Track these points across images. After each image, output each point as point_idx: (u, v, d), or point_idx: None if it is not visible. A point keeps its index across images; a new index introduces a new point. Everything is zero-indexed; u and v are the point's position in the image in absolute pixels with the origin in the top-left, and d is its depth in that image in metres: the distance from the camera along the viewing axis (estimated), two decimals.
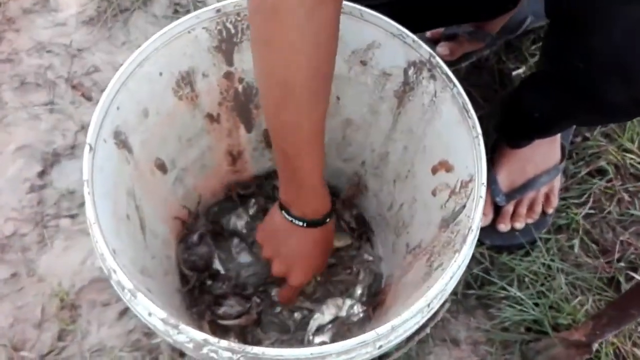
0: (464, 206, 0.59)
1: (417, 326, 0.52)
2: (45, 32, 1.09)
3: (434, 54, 0.63)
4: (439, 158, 0.67)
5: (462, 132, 0.61)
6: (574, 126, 1.00)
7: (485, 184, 0.56)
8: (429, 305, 0.51)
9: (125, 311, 0.87)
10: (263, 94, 0.59)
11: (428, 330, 0.57)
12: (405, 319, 0.49)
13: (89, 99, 1.04)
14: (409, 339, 0.59)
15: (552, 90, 0.71)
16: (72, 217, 0.94)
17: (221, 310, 0.79)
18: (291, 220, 0.68)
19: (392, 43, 0.66)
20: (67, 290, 0.88)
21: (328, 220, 0.70)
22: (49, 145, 0.99)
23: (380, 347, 0.50)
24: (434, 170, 0.68)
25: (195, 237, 0.85)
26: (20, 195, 0.95)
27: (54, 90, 1.04)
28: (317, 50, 0.54)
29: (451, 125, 0.63)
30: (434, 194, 0.69)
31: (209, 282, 0.86)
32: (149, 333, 0.86)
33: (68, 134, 1.01)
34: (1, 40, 1.08)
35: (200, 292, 0.84)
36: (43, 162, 0.98)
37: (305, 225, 0.68)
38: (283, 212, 0.68)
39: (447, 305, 0.58)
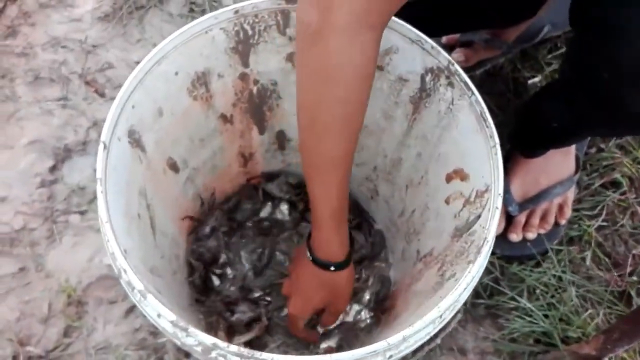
0: (479, 216, 0.58)
1: (428, 337, 0.51)
2: (61, 27, 1.10)
3: (452, 61, 0.62)
4: (454, 166, 0.66)
5: (479, 141, 0.60)
6: (589, 137, 0.99)
7: (502, 194, 0.55)
8: (441, 316, 0.51)
9: (131, 309, 0.87)
10: (298, 117, 0.59)
11: (439, 340, 0.57)
12: (417, 330, 0.48)
13: (102, 95, 1.04)
14: (418, 348, 0.59)
15: (573, 100, 0.70)
16: (82, 213, 0.94)
17: (234, 317, 0.79)
18: (305, 249, 0.70)
19: (410, 49, 0.65)
20: (75, 286, 0.88)
21: (333, 269, 0.69)
22: (60, 140, 0.99)
23: (391, 356, 0.49)
24: (449, 178, 0.68)
25: (207, 230, 0.86)
26: (31, 190, 0.95)
27: (67, 85, 1.04)
28: (353, 77, 0.54)
29: (468, 134, 0.62)
30: (447, 202, 0.68)
31: (217, 283, 0.85)
32: (155, 332, 0.85)
33: (80, 130, 1.01)
34: (17, 34, 1.09)
35: (205, 290, 0.84)
36: (54, 157, 0.98)
37: (311, 259, 0.69)
38: (306, 242, 0.71)
39: (459, 316, 0.57)
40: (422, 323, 0.48)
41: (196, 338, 0.47)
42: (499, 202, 0.55)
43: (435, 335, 0.55)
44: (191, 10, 1.13)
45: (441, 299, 0.51)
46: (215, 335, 0.72)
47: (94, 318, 0.86)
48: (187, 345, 0.49)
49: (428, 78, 0.66)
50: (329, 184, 0.62)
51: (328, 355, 0.46)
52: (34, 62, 1.06)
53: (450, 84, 0.64)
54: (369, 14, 0.50)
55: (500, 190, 0.56)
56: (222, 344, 0.46)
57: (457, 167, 0.65)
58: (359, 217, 0.92)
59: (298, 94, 0.58)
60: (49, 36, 1.08)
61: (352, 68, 0.53)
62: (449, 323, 0.55)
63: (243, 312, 0.79)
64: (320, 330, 0.82)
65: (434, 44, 0.63)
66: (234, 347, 0.46)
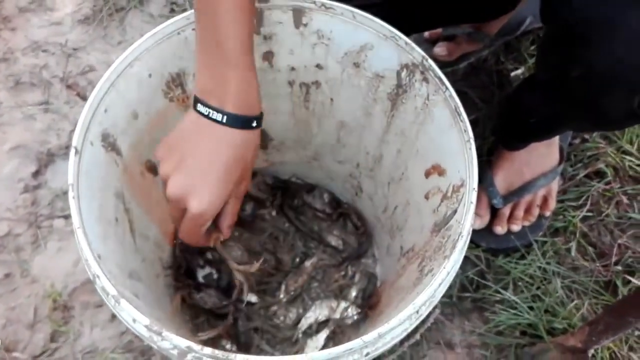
0: (455, 211, 0.58)
1: (405, 333, 0.51)
2: (41, 31, 1.09)
3: (426, 56, 0.62)
4: (432, 161, 0.66)
5: (454, 136, 0.60)
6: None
7: (476, 189, 0.55)
8: (417, 311, 0.51)
9: None
10: None
11: (418, 336, 0.57)
12: (392, 327, 0.48)
13: (84, 98, 1.04)
14: (399, 343, 0.59)
15: (546, 96, 0.71)
16: (66, 217, 0.94)
17: (198, 296, 0.78)
18: (207, 115, 0.53)
19: (385, 45, 0.65)
20: (60, 291, 0.88)
21: (254, 124, 0.55)
22: (43, 145, 0.99)
23: (367, 354, 0.49)
24: (427, 174, 0.68)
25: None
26: (15, 195, 0.95)
27: (49, 89, 1.04)
28: None
29: (443, 129, 0.62)
30: (426, 197, 0.68)
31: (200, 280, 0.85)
32: None
33: (63, 134, 1.00)
34: None
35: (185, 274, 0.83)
36: (37, 162, 0.98)
37: (225, 120, 0.53)
38: (199, 105, 0.54)
39: (437, 311, 0.57)
40: (397, 320, 0.48)
41: (171, 342, 0.47)
42: (474, 197, 0.55)
43: (415, 331, 0.55)
44: (172, 10, 1.13)
45: (418, 295, 0.51)
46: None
47: (80, 322, 0.86)
48: (163, 349, 0.49)
49: (404, 74, 0.65)
50: (239, 13, 0.51)
51: (304, 355, 0.46)
52: (15, 67, 1.06)
53: (425, 80, 0.63)
54: None
55: (475, 184, 0.56)
56: (196, 346, 0.46)
57: (435, 163, 0.65)
58: (337, 209, 0.92)
59: None
60: (29, 40, 1.08)
61: None
62: (427, 318, 0.55)
63: (209, 295, 0.77)
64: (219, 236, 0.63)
65: (408, 40, 0.63)
66: (207, 350, 0.46)
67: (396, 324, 0.49)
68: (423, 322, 0.56)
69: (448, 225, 0.59)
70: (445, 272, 0.51)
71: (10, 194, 0.95)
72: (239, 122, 0.53)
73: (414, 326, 0.52)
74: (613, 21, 0.53)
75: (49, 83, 1.05)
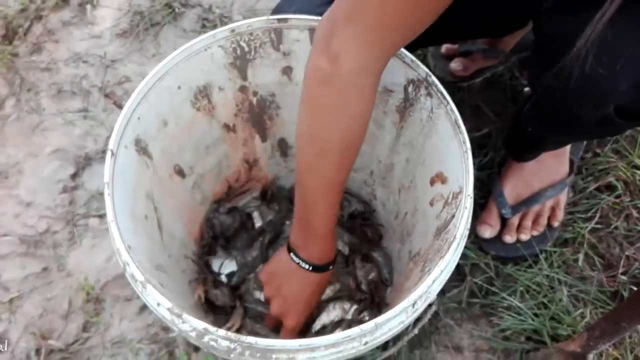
0: (453, 216, 0.63)
1: (402, 325, 0.56)
2: (82, 43, 1.17)
3: (430, 73, 0.67)
4: (436, 170, 0.71)
5: (454, 146, 0.65)
6: (585, 141, 1.02)
7: (471, 195, 0.60)
8: (413, 305, 0.55)
9: (145, 306, 0.92)
10: (300, 146, 0.66)
11: (416, 330, 0.61)
12: (388, 318, 0.53)
13: (120, 107, 1.11)
14: (397, 338, 0.63)
15: (536, 106, 0.75)
16: (101, 217, 1.01)
17: (214, 292, 0.84)
18: (298, 263, 0.74)
19: (392, 62, 0.70)
20: (93, 285, 0.94)
21: (330, 267, 0.76)
22: (81, 149, 1.06)
23: (366, 343, 0.54)
24: (432, 182, 0.72)
25: (226, 207, 0.91)
26: (54, 195, 1.02)
27: (88, 98, 1.12)
28: (355, 112, 0.62)
29: (445, 140, 0.67)
30: (431, 204, 0.72)
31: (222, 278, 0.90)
32: (167, 327, 0.91)
33: (99, 139, 1.08)
34: (41, 50, 1.17)
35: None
36: (76, 165, 1.05)
37: (310, 269, 0.74)
38: (291, 253, 0.74)
39: (434, 307, 0.61)
40: (393, 312, 0.53)
41: (190, 324, 0.53)
42: (469, 203, 0.59)
43: (414, 326, 0.59)
44: (203, 26, 1.19)
45: (415, 291, 0.56)
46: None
47: (110, 314, 0.92)
48: (183, 331, 0.54)
49: (410, 89, 0.70)
50: (332, 204, 0.69)
51: (306, 339, 0.51)
52: (57, 77, 1.14)
53: (429, 94, 0.68)
54: (368, 63, 0.59)
55: (470, 192, 0.60)
56: (211, 328, 0.52)
57: (439, 171, 0.70)
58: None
59: (302, 128, 0.65)
60: (71, 52, 1.16)
61: (354, 105, 0.62)
62: (425, 313, 0.59)
63: (222, 294, 0.83)
64: None
65: (413, 58, 0.68)
66: (222, 332, 0.51)
67: (392, 315, 0.53)
68: (421, 317, 0.60)
69: (447, 229, 0.63)
70: (439, 270, 0.55)
71: (49, 194, 1.02)
72: (320, 269, 0.75)
73: (410, 319, 0.56)
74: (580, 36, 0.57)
75: (88, 92, 1.12)
